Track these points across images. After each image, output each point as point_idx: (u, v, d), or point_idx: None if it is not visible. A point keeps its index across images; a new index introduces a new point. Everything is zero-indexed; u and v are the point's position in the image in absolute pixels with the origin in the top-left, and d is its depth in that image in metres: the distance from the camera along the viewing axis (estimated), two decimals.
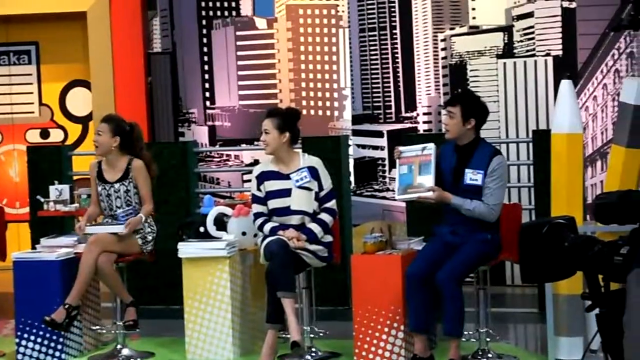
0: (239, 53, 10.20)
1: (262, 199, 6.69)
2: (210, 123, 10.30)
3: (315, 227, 6.58)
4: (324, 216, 6.64)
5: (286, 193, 6.63)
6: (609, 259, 2.23)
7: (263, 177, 6.71)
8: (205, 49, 10.29)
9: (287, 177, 6.66)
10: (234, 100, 10.22)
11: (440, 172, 6.31)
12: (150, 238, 7.06)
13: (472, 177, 6.25)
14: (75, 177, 9.18)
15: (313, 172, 6.66)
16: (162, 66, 10.36)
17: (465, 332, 6.33)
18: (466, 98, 6.47)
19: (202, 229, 6.93)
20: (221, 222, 6.92)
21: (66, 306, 6.76)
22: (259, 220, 6.66)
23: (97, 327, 7.26)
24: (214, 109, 10.29)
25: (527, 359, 6.58)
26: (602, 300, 2.31)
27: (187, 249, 6.85)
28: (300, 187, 6.63)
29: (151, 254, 7.14)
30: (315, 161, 6.73)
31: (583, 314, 6.08)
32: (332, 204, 6.69)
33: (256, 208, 6.71)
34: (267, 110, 6.96)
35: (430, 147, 6.34)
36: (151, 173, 7.11)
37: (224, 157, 10.22)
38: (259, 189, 6.71)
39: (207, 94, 10.29)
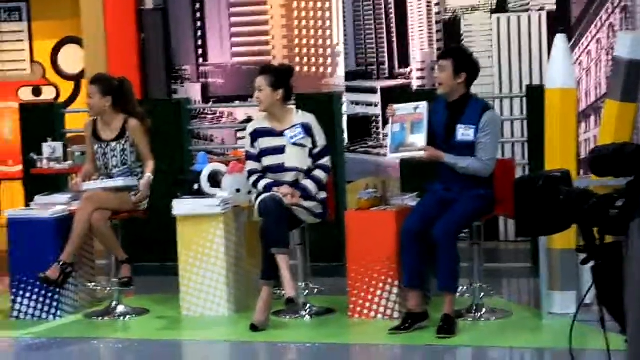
0: (232, 10, 10.14)
1: (256, 156, 6.69)
2: (203, 80, 10.26)
3: (309, 184, 6.59)
4: (318, 173, 6.65)
5: (280, 150, 6.63)
6: (605, 212, 2.23)
7: (257, 134, 6.70)
8: (197, 5, 10.23)
9: (281, 134, 6.65)
10: (227, 57, 10.17)
11: (432, 128, 6.31)
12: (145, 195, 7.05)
13: (464, 132, 6.24)
14: (68, 135, 9.16)
15: (307, 128, 6.66)
16: (154, 22, 10.30)
17: (459, 288, 6.36)
18: (458, 52, 6.46)
19: (196, 186, 6.93)
20: (215, 179, 6.92)
21: (60, 263, 6.77)
22: (253, 177, 6.66)
23: (92, 284, 7.27)
24: (206, 65, 10.24)
25: (520, 313, 6.61)
26: (598, 252, 2.32)
27: (181, 206, 6.85)
28: (294, 144, 6.62)
29: (145, 211, 7.14)
30: (309, 118, 6.72)
31: (576, 269, 6.11)
32: (326, 160, 6.69)
33: (250, 165, 6.70)
34: (260, 67, 6.94)
35: (423, 105, 6.33)
36: (145, 127, 7.09)
37: (217, 115, 10.20)
38: (253, 146, 6.70)
39: (200, 51, 10.24)
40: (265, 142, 6.67)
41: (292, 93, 6.79)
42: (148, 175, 6.98)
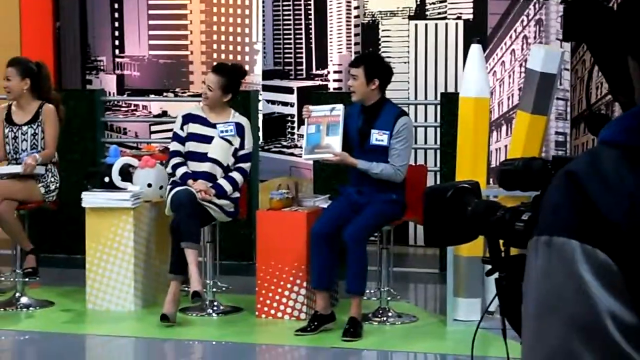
0: (151, 2, 10.05)
1: (182, 139, 6.69)
2: (118, 72, 10.15)
3: (225, 184, 6.59)
4: (236, 175, 6.66)
5: (207, 139, 6.65)
6: (511, 225, 2.26)
7: (189, 119, 6.73)
8: None
9: (213, 125, 6.68)
10: (144, 50, 10.09)
11: (347, 132, 6.35)
12: (53, 187, 6.97)
13: (378, 137, 6.30)
14: None
15: (239, 128, 6.70)
16: (71, 11, 10.16)
17: (367, 291, 6.40)
18: (369, 59, 6.52)
19: (107, 179, 6.87)
20: (127, 173, 6.87)
21: None
22: (174, 160, 6.65)
23: None
24: (123, 57, 10.14)
25: (426, 318, 6.69)
26: (502, 264, 2.36)
27: (91, 198, 6.78)
28: (222, 137, 6.65)
29: (54, 202, 7.05)
30: (244, 121, 6.79)
31: (482, 276, 6.20)
32: (247, 165, 6.73)
33: (174, 146, 6.70)
34: (214, 66, 7.04)
35: (339, 108, 6.37)
36: (59, 114, 7.02)
37: (132, 107, 10.11)
38: (181, 129, 6.71)
39: (117, 42, 10.14)
40: (194, 128, 6.68)
41: (238, 94, 6.86)
42: (36, 155, 6.86)
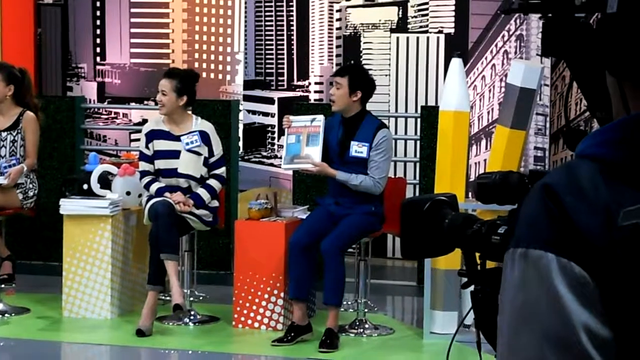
0: (133, 10, 10.04)
1: (149, 157, 6.64)
2: (99, 79, 10.13)
3: (204, 194, 6.57)
4: (213, 182, 6.63)
5: (174, 155, 6.59)
6: (487, 238, 2.27)
7: (152, 135, 6.66)
8: (98, 4, 10.11)
9: (177, 138, 6.62)
10: (125, 58, 10.07)
11: (326, 143, 6.36)
12: (31, 194, 6.94)
13: (357, 149, 6.31)
14: None
15: (204, 136, 6.64)
16: (52, 18, 10.14)
17: (344, 302, 6.40)
18: (354, 70, 6.54)
19: (85, 187, 6.85)
20: (106, 181, 6.85)
21: None
22: (146, 179, 6.61)
23: None
24: (104, 65, 10.12)
25: (403, 331, 6.69)
26: (478, 278, 2.36)
27: (69, 205, 6.76)
28: (189, 150, 6.60)
29: (32, 209, 7.02)
30: (208, 126, 6.70)
31: (459, 290, 6.21)
32: (221, 171, 6.69)
33: (143, 166, 6.66)
34: (166, 71, 6.91)
35: (320, 118, 6.38)
36: (39, 121, 7.01)
37: (112, 115, 10.08)
38: (147, 147, 6.65)
39: (98, 50, 10.12)
40: (160, 145, 6.63)
41: (195, 99, 6.77)
42: (22, 165, 6.86)
